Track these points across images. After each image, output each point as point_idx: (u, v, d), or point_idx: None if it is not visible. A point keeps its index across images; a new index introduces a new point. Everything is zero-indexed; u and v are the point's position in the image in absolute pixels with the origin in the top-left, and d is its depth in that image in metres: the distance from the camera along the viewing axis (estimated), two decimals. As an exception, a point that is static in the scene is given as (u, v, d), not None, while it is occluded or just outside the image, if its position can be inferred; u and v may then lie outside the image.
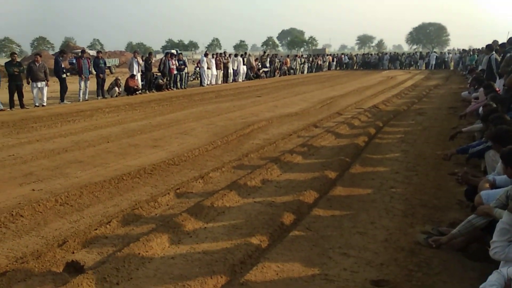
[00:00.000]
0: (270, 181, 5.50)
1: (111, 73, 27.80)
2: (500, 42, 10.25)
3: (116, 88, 15.62)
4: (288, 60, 30.51)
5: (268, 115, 10.76)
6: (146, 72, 16.95)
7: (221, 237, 3.85)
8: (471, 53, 27.68)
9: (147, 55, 17.82)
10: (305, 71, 32.02)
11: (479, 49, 24.48)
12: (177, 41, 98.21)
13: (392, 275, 3.13)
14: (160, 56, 28.39)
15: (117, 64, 33.62)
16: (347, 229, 3.98)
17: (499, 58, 8.65)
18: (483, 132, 5.50)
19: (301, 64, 31.91)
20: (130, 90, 15.86)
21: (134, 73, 16.21)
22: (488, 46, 10.17)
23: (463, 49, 35.96)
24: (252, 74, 24.33)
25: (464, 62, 28.36)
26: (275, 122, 9.90)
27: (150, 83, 17.20)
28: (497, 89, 7.28)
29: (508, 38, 6.37)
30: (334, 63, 38.66)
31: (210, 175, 5.60)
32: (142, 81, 16.87)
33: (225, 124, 9.57)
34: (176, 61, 18.50)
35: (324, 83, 21.94)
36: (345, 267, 3.26)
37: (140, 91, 16.33)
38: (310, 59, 34.82)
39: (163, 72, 17.74)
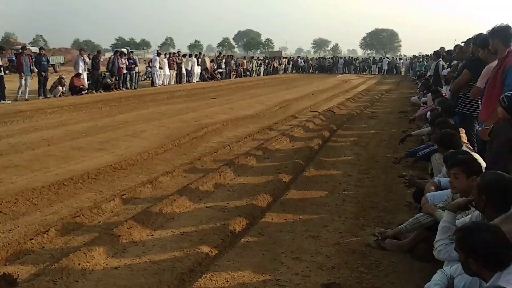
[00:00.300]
0: (223, 185, 5.37)
1: (55, 71, 26.33)
2: (446, 49, 10.74)
3: (60, 88, 14.81)
4: (245, 62, 30.53)
5: (223, 118, 10.61)
6: (93, 71, 16.24)
7: (169, 244, 3.67)
8: (421, 59, 29.01)
9: (95, 53, 17.11)
10: (262, 74, 32.20)
11: (427, 55, 25.69)
12: (128, 39, 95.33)
13: (342, 278, 3.11)
14: (109, 54, 27.34)
15: (62, 62, 32.18)
16: (300, 233, 3.93)
17: (445, 65, 9.06)
18: (431, 135, 5.70)
19: (257, 66, 32.05)
20: (75, 89, 15.12)
21: (80, 71, 15.50)
22: (435, 52, 10.65)
23: (413, 55, 37.64)
24: (207, 75, 24.07)
25: (414, 68, 29.71)
26: (230, 124, 9.78)
27: (97, 83, 16.51)
28: (444, 94, 7.60)
29: (454, 45, 6.67)
30: (290, 66, 39.18)
31: (160, 180, 5.37)
32: (88, 80, 16.15)
33: (177, 126, 9.31)
34: (126, 60, 17.90)
35: (280, 86, 22.12)
36: (297, 272, 3.20)
37: (86, 91, 15.61)
38: (267, 61, 35.07)
39: (112, 71, 17.09)
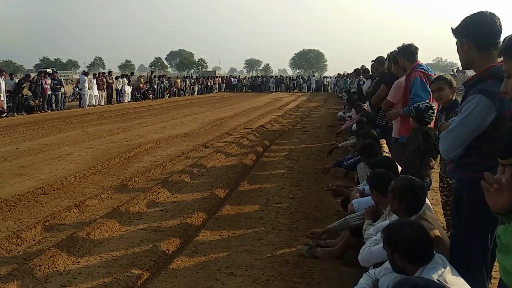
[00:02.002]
0: (156, 205, 5.23)
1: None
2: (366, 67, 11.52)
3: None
4: (178, 81, 30.32)
5: (156, 137, 10.39)
6: (14, 92, 15.15)
7: (97, 270, 3.48)
8: (345, 77, 30.84)
9: (24, 76, 16.12)
10: (196, 92, 32.14)
11: (349, 73, 27.36)
12: (54, 59, 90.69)
13: (277, 290, 3.15)
14: (33, 75, 25.79)
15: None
16: (235, 248, 3.94)
17: (365, 81, 9.71)
18: (355, 146, 6.04)
19: (191, 85, 31.96)
20: (-7, 112, 13.98)
21: (-1, 93, 14.40)
22: (356, 70, 11.39)
23: (338, 74, 40.00)
24: (139, 95, 23.48)
25: (340, 85, 31.47)
26: (163, 143, 9.59)
27: (19, 105, 15.40)
28: (366, 108, 8.13)
29: (371, 64, 7.22)
30: (224, 85, 39.65)
31: (87, 203, 5.09)
32: (9, 102, 15.03)
33: (107, 147, 8.93)
34: (51, 81, 16.94)
35: (215, 104, 22.20)
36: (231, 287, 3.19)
37: (6, 114, 14.49)
38: (200, 80, 35.18)
39: (35, 92, 16.04)
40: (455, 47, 2.37)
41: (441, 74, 5.61)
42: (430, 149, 3.47)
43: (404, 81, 4.31)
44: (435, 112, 3.59)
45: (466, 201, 2.23)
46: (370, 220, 3.08)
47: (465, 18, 2.30)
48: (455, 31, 2.32)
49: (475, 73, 2.31)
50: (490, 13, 2.24)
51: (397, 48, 4.45)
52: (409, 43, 4.38)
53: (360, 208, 3.47)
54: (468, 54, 2.28)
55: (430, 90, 4.08)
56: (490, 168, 1.72)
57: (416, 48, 4.33)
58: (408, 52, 4.31)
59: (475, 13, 2.29)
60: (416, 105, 3.53)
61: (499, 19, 2.22)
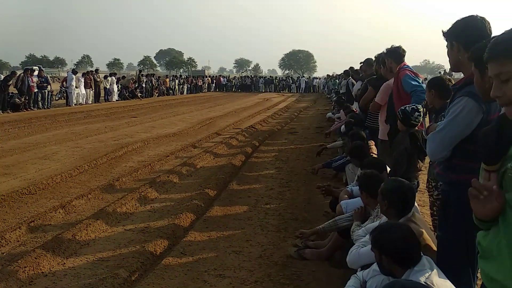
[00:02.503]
0: (144, 205, 5.18)
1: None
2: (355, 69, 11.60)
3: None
4: (168, 80, 30.14)
5: (144, 136, 10.30)
6: (-1, 90, 14.93)
7: (83, 272, 3.44)
8: (334, 78, 31.04)
9: (9, 74, 15.80)
10: (185, 92, 31.99)
11: (339, 74, 27.54)
12: (41, 57, 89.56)
13: (265, 292, 3.14)
14: (19, 72, 25.34)
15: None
16: (223, 249, 3.92)
17: (355, 82, 9.78)
18: (344, 147, 6.08)
19: (180, 84, 31.80)
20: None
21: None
22: (345, 71, 11.46)
23: (327, 75, 40.27)
24: (128, 93, 23.28)
25: (329, 87, 31.67)
26: (151, 143, 9.51)
27: (5, 103, 15.13)
28: (355, 109, 8.17)
29: (360, 65, 7.28)
30: (214, 84, 39.57)
31: (73, 204, 5.01)
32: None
33: (94, 146, 8.82)
34: (37, 78, 16.68)
35: (204, 104, 22.12)
36: (220, 289, 3.17)
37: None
38: (190, 79, 35.05)
39: (21, 90, 15.78)
40: (442, 50, 2.40)
41: (429, 76, 5.68)
42: (417, 151, 3.49)
43: (393, 83, 4.33)
44: (421, 114, 3.62)
45: (453, 204, 2.25)
46: (359, 221, 3.09)
47: (456, 21, 2.32)
48: (445, 34, 2.35)
49: (463, 76, 2.33)
50: (481, 17, 2.27)
51: (385, 49, 4.49)
52: (397, 45, 4.44)
53: (348, 209, 3.49)
54: (458, 56, 2.30)
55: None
56: (476, 170, 1.73)
57: (404, 51, 4.40)
58: (395, 54, 4.37)
59: (465, 17, 2.31)
60: (403, 108, 3.55)
61: (489, 23, 2.25)
